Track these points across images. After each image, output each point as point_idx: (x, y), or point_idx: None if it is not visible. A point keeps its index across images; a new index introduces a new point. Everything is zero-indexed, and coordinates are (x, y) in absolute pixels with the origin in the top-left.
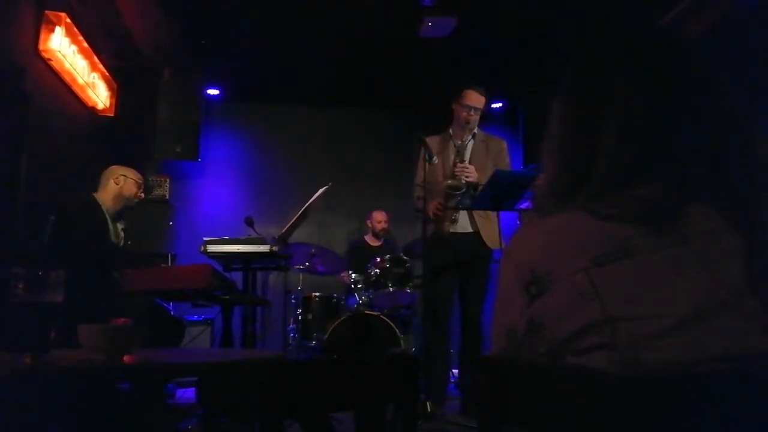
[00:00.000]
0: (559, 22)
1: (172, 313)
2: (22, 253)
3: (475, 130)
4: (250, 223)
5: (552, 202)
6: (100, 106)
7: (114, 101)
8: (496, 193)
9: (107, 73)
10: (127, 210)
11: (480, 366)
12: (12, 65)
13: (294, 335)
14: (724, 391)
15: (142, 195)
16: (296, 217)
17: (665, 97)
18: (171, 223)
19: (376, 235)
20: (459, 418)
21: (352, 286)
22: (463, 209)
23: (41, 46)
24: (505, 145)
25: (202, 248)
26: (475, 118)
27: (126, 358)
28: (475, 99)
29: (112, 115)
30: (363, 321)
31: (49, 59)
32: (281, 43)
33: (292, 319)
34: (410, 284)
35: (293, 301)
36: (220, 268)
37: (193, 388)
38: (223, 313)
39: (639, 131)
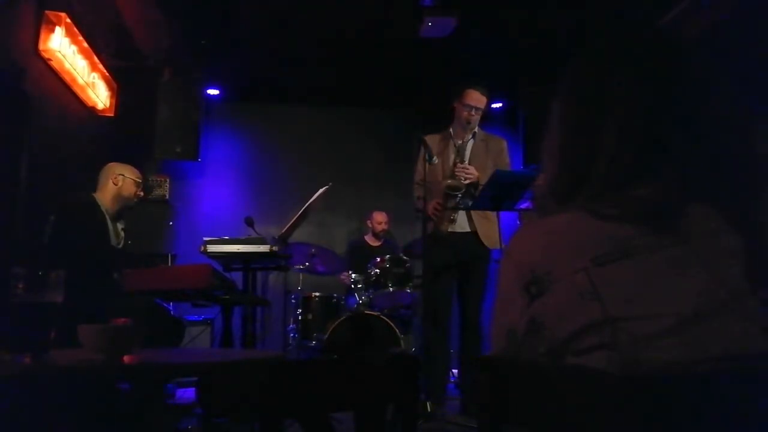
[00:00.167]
0: (559, 22)
1: (172, 313)
2: (22, 253)
3: (476, 130)
4: (250, 223)
5: (552, 202)
6: (100, 106)
7: (114, 101)
8: (496, 193)
9: (107, 73)
10: (127, 209)
11: (480, 366)
12: (12, 65)
13: (294, 335)
14: (724, 391)
15: (142, 193)
16: (296, 217)
17: (665, 97)
18: (171, 223)
19: (376, 236)
20: (459, 418)
21: (352, 286)
22: (462, 209)
23: (41, 46)
24: (505, 144)
25: (202, 248)
26: (476, 117)
27: (126, 358)
28: (476, 98)
29: (112, 115)
30: (363, 321)
31: (49, 59)
32: (281, 43)
33: (292, 319)
34: (410, 284)
35: (293, 301)
36: (220, 268)
37: (193, 388)
38: (223, 313)
39: (639, 131)
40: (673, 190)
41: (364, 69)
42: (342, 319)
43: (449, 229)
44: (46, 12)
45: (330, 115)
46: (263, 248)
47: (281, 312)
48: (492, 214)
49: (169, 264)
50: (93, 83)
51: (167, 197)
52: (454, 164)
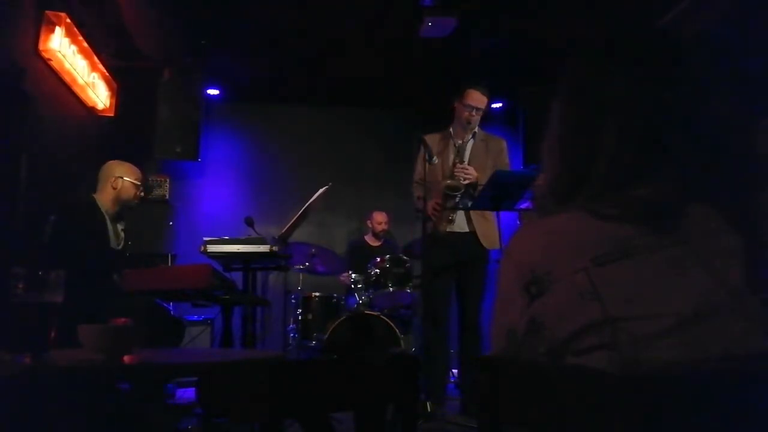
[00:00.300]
0: (559, 22)
1: (172, 313)
2: (22, 253)
3: (476, 130)
4: (250, 223)
5: (552, 202)
6: (100, 106)
7: (114, 101)
8: (496, 193)
9: (107, 73)
10: (127, 210)
11: (480, 366)
12: (12, 65)
13: (294, 335)
14: (724, 391)
15: (142, 194)
16: (296, 217)
17: (665, 97)
18: (171, 223)
19: (376, 236)
20: (459, 418)
21: (352, 286)
22: (462, 209)
23: (41, 46)
24: (504, 144)
25: (202, 248)
26: (477, 117)
27: (126, 358)
28: (477, 99)
29: (112, 115)
30: (363, 321)
31: (49, 59)
32: (281, 43)
33: (292, 319)
34: (410, 284)
35: (293, 301)
36: (220, 268)
37: (193, 388)
38: (223, 313)
39: (639, 131)
40: (673, 190)
41: (364, 69)
42: (342, 319)
43: (448, 230)
44: (46, 12)
45: (330, 115)
46: (263, 248)
47: (281, 312)
48: (490, 215)
49: (169, 264)
50: (93, 83)
51: (167, 197)
52: (454, 164)
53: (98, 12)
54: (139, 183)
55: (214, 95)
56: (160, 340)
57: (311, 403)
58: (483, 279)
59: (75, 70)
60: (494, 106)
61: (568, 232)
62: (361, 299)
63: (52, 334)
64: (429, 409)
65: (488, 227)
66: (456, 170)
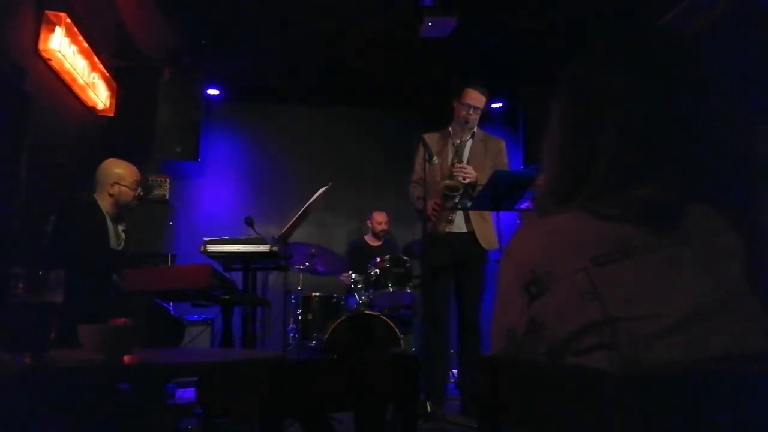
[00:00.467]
0: (559, 22)
1: (172, 313)
2: (22, 253)
3: (475, 130)
4: (250, 223)
5: (552, 202)
6: (100, 106)
7: (114, 101)
8: (496, 193)
9: (107, 73)
10: (128, 210)
11: (480, 366)
12: (12, 65)
13: (294, 335)
14: (724, 391)
15: (142, 193)
16: (296, 217)
17: (665, 97)
18: (171, 223)
19: (376, 236)
20: (459, 418)
21: (352, 286)
22: (462, 209)
23: (41, 46)
24: (503, 144)
25: (202, 248)
26: (475, 117)
27: (126, 358)
28: (475, 98)
29: (112, 115)
30: (363, 321)
31: (49, 59)
32: (281, 43)
33: (292, 319)
34: (410, 284)
35: (293, 301)
36: (220, 268)
37: (193, 388)
38: (223, 313)
39: (639, 131)
40: (673, 190)
41: (364, 69)
42: (342, 319)
43: (447, 230)
44: (46, 12)
45: (330, 115)
46: (263, 248)
47: (281, 312)
48: (489, 215)
49: (169, 264)
50: (93, 83)
51: (167, 197)
52: (452, 164)
53: (98, 12)
54: (136, 185)
55: (214, 95)
56: (160, 340)
57: (311, 403)
58: (482, 279)
59: (75, 70)
60: (494, 106)
61: (568, 232)
62: (361, 299)
63: (52, 334)
64: (429, 409)
65: (487, 228)
66: (454, 170)
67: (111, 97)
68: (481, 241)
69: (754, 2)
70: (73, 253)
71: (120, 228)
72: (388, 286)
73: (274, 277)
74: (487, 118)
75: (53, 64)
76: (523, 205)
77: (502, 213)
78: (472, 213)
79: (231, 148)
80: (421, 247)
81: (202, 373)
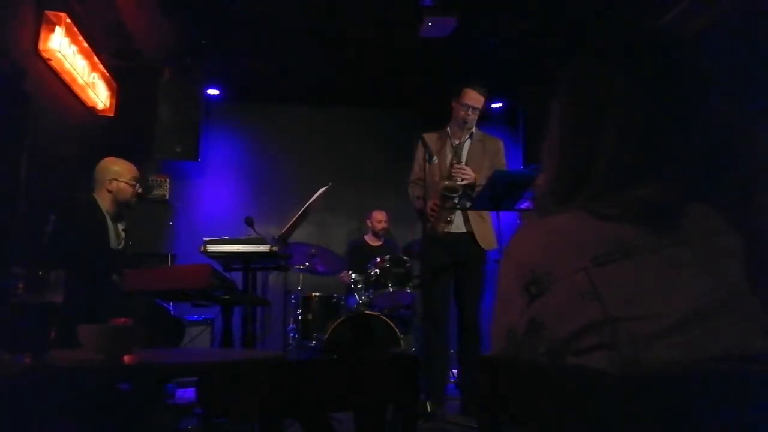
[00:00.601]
0: (559, 22)
1: (172, 313)
2: (22, 253)
3: (473, 130)
4: (250, 223)
5: (552, 202)
6: (100, 106)
7: (114, 101)
8: (495, 193)
9: (107, 73)
10: (127, 209)
11: (480, 366)
12: (12, 65)
13: (294, 335)
14: (724, 391)
15: (140, 191)
16: (296, 217)
17: (665, 97)
18: (171, 223)
19: (376, 235)
20: (459, 418)
21: (352, 286)
22: (462, 209)
23: (41, 46)
24: (501, 144)
25: (202, 248)
26: (474, 117)
27: (126, 358)
28: (474, 98)
29: (112, 115)
30: (363, 321)
31: (49, 59)
32: (281, 43)
33: (292, 319)
34: (410, 284)
35: (293, 301)
36: (220, 268)
37: (193, 388)
38: (223, 313)
39: (639, 131)
40: (673, 190)
41: (364, 69)
42: (342, 319)
43: (445, 230)
44: (46, 12)
45: (330, 115)
46: (263, 248)
47: (281, 312)
48: (487, 215)
49: (169, 264)
50: (93, 83)
51: (167, 197)
52: (451, 165)
53: (98, 12)
54: (134, 182)
55: (214, 95)
56: (160, 340)
57: (311, 403)
58: (481, 279)
59: (75, 70)
60: (494, 106)
61: (568, 232)
62: (361, 299)
63: (52, 334)
64: (429, 409)
65: (485, 228)
66: (453, 170)
67: (111, 97)
68: (479, 241)
69: (754, 2)
70: (72, 253)
71: (120, 227)
72: (388, 286)
73: (274, 277)
74: (487, 118)
75: (53, 64)
76: (523, 205)
77: (502, 213)
78: (470, 213)
79: (231, 148)
80: (420, 248)
81: (202, 373)
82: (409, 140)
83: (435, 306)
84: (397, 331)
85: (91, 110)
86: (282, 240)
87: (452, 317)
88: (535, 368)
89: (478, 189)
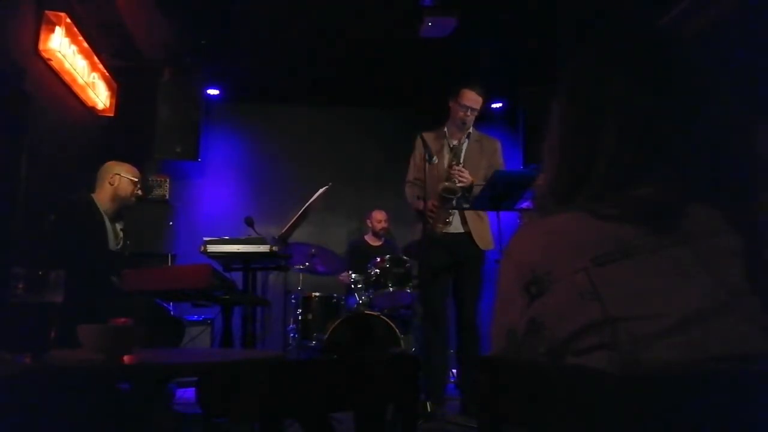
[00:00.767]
0: (559, 22)
1: (172, 313)
2: (22, 253)
3: (470, 130)
4: (250, 223)
5: (552, 202)
6: (100, 106)
7: (114, 101)
8: (495, 193)
9: (107, 73)
10: (126, 209)
11: (480, 366)
12: (12, 65)
13: (294, 335)
14: (724, 391)
15: (140, 192)
16: (296, 217)
17: (665, 96)
18: (171, 223)
19: (376, 235)
20: (459, 418)
21: (352, 286)
22: (462, 209)
23: (41, 46)
24: (499, 145)
25: (202, 248)
26: (472, 118)
27: (126, 358)
28: (472, 99)
29: (112, 115)
30: (363, 321)
31: (49, 59)
32: (281, 43)
33: (292, 319)
34: (410, 284)
35: (293, 301)
36: (220, 268)
37: (193, 388)
38: (223, 313)
39: (639, 131)
40: (673, 190)
41: (364, 69)
42: (342, 319)
43: (444, 231)
44: (46, 12)
45: (330, 115)
46: (263, 248)
47: (281, 312)
48: (485, 215)
49: (169, 264)
50: (93, 83)
51: (167, 197)
52: (450, 166)
53: (98, 12)
54: (136, 180)
55: (214, 95)
56: (160, 340)
57: (311, 403)
58: (479, 279)
59: (75, 70)
60: (494, 106)
61: (568, 232)
62: (361, 299)
63: (52, 334)
64: (429, 409)
65: (483, 228)
66: (453, 171)
67: (111, 97)
68: (477, 242)
69: (754, 2)
70: (71, 253)
71: (118, 227)
72: (388, 286)
73: (274, 277)
74: (487, 118)
75: (53, 64)
76: (523, 205)
77: (502, 213)
78: (468, 213)
79: (231, 148)
80: (419, 248)
81: (202, 373)
82: (409, 140)
83: (435, 306)
84: (397, 331)
85: (91, 110)
86: (282, 240)
87: (451, 317)
88: (535, 368)
89: (476, 190)
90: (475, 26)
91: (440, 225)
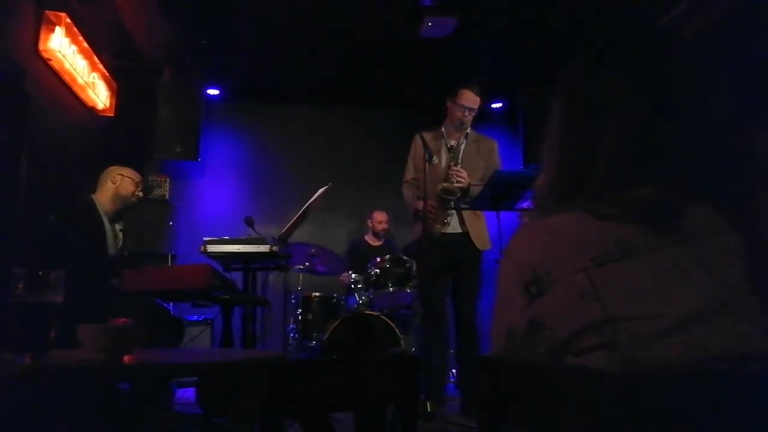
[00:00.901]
0: (559, 22)
1: (172, 313)
2: (22, 253)
3: (468, 131)
4: (250, 223)
5: (552, 202)
6: (100, 106)
7: (114, 101)
8: (495, 194)
9: (107, 73)
10: (126, 210)
11: (480, 366)
12: (12, 65)
13: (294, 335)
14: (724, 391)
15: (141, 194)
16: (296, 217)
17: (665, 96)
18: (171, 223)
19: (376, 235)
20: (459, 418)
21: (352, 286)
22: (462, 209)
23: (41, 46)
24: (496, 145)
25: (202, 248)
26: (470, 118)
27: (126, 358)
28: (470, 99)
29: (112, 115)
30: (363, 321)
31: (49, 59)
32: (281, 43)
33: (292, 319)
34: (410, 284)
35: (293, 301)
36: (220, 268)
37: (193, 388)
38: (223, 313)
39: (639, 131)
40: (673, 190)
41: (364, 69)
42: (342, 319)
43: (442, 231)
44: (46, 12)
45: (330, 115)
46: (263, 248)
47: (281, 312)
48: (481, 215)
49: (169, 264)
50: (93, 83)
51: (167, 197)
52: (449, 166)
53: (98, 12)
54: (138, 181)
55: (214, 95)
56: (160, 340)
57: (311, 403)
58: (478, 279)
59: (75, 70)
60: (494, 106)
61: (568, 232)
62: (361, 299)
63: (52, 334)
64: (429, 409)
65: (480, 228)
66: (451, 172)
67: (111, 97)
68: (475, 242)
69: (754, 2)
70: (71, 253)
71: (118, 227)
72: (388, 286)
73: (274, 277)
74: (487, 118)
75: (53, 64)
76: (523, 205)
77: (502, 213)
78: (466, 213)
79: (231, 148)
80: (417, 248)
81: (202, 373)
82: (409, 140)
83: (434, 306)
84: (397, 331)
85: (91, 110)
86: (282, 240)
87: (450, 317)
88: (535, 368)
89: (474, 190)
90: (475, 26)
91: (439, 225)
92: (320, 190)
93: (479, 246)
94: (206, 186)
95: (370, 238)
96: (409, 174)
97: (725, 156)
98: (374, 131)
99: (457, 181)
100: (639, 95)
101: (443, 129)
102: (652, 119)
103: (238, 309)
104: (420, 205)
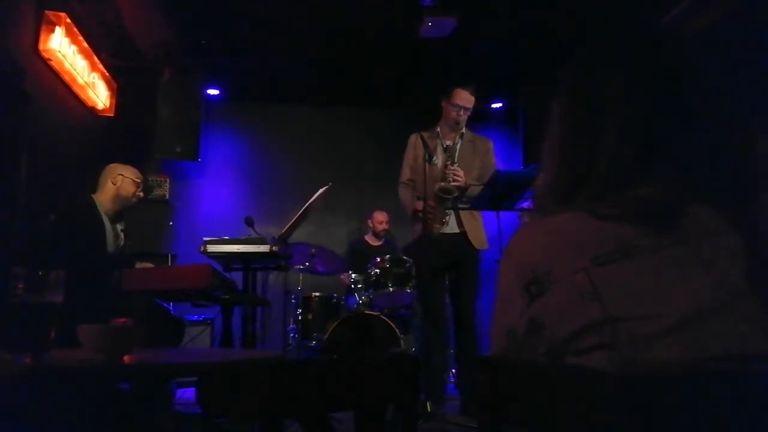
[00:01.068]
0: (559, 22)
1: (172, 313)
2: (22, 253)
3: (463, 130)
4: (250, 223)
5: (552, 202)
6: (100, 106)
7: (114, 101)
8: (495, 193)
9: (107, 73)
10: (126, 210)
11: (480, 366)
12: (12, 65)
13: (294, 335)
14: (724, 391)
15: (141, 194)
16: (296, 217)
17: (665, 96)
18: (171, 223)
19: (376, 235)
20: (459, 418)
21: (352, 286)
22: (461, 209)
23: (41, 46)
24: (491, 145)
25: (202, 248)
26: (465, 117)
27: (126, 358)
28: (465, 98)
29: (112, 115)
30: (363, 321)
31: (49, 59)
32: (281, 43)
33: (292, 319)
34: (410, 284)
35: (293, 301)
36: (220, 268)
37: (193, 388)
38: (223, 313)
39: (639, 131)
40: (673, 190)
41: (364, 69)
42: (342, 319)
43: (440, 231)
44: (46, 12)
45: (330, 115)
46: (263, 248)
47: (281, 312)
48: (479, 215)
49: (169, 264)
50: (93, 83)
51: (167, 197)
52: (445, 166)
53: (98, 12)
54: (139, 181)
55: (214, 95)
56: (160, 340)
57: (311, 403)
58: (476, 278)
59: (75, 70)
60: (494, 106)
61: (568, 232)
62: (361, 299)
63: (52, 334)
64: (429, 409)
65: (477, 227)
66: (448, 171)
67: (111, 97)
68: (473, 242)
69: (754, 2)
70: (71, 253)
71: (119, 227)
72: (388, 286)
73: (274, 277)
74: (487, 118)
75: (53, 64)
76: (523, 205)
77: (502, 213)
78: (463, 213)
79: (231, 148)
80: (416, 248)
81: (202, 373)
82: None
83: (434, 306)
84: (397, 331)
85: (91, 110)
86: (282, 240)
87: (450, 317)
88: (535, 368)
89: (471, 189)
90: (475, 26)
91: (437, 225)
92: (320, 190)
93: (477, 246)
94: (206, 186)
95: (370, 238)
96: (405, 175)
97: (725, 156)
98: (374, 131)
99: (454, 180)
100: (639, 95)
101: (438, 129)
102: (652, 119)
103: (238, 309)
104: (419, 205)
